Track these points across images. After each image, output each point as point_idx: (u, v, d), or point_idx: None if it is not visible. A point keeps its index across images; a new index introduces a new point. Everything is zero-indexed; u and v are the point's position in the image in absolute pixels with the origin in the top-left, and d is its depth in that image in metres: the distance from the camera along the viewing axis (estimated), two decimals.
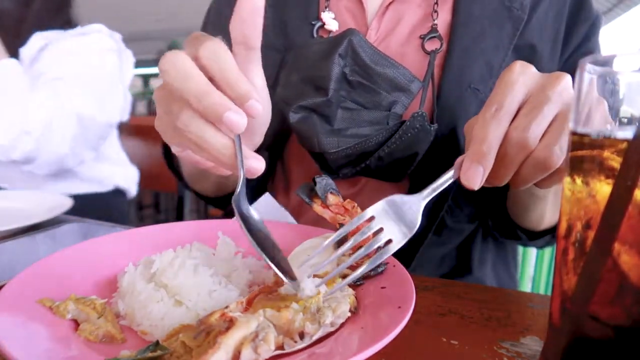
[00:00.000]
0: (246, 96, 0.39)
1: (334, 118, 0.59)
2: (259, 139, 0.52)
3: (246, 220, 0.40)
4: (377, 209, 0.41)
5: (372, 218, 0.41)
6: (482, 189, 0.64)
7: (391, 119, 0.60)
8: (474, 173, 0.40)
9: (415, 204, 0.42)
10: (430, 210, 0.64)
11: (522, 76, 0.41)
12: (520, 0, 0.64)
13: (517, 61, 0.42)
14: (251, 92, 0.39)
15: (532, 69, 0.42)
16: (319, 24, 0.69)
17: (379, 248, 0.40)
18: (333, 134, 0.59)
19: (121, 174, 1.43)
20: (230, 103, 0.38)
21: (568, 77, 0.41)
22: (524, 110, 0.41)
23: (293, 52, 0.65)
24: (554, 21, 0.65)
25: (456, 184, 0.60)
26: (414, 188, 0.67)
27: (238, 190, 0.41)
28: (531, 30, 0.64)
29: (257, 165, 0.41)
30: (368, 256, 0.40)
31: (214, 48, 0.39)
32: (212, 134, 0.40)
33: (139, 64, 1.50)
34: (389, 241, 0.41)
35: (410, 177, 0.66)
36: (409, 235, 0.41)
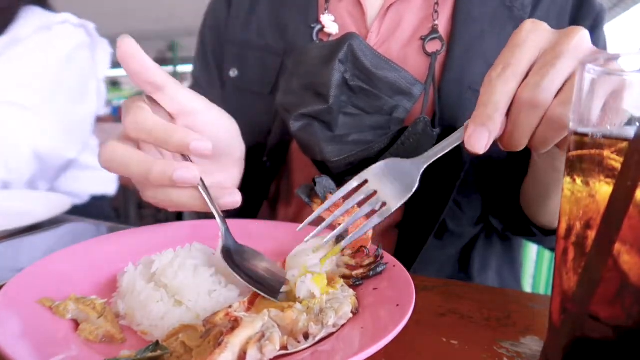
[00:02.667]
0: (184, 143, 0.40)
1: (335, 124, 0.59)
2: (237, 152, 0.53)
3: (238, 265, 0.42)
4: (373, 171, 0.42)
5: (365, 181, 0.42)
6: (492, 181, 0.62)
7: (393, 124, 0.60)
8: (479, 136, 0.39)
9: (415, 167, 0.42)
10: (431, 213, 0.64)
11: (533, 34, 0.39)
12: (522, 0, 0.63)
13: (529, 19, 0.41)
14: (187, 136, 0.40)
15: (544, 25, 0.40)
16: (319, 26, 0.68)
17: (374, 211, 0.41)
18: (335, 141, 0.58)
19: (97, 180, 1.33)
20: (173, 163, 0.40)
21: (584, 31, 0.39)
22: (536, 67, 0.39)
23: (293, 57, 0.65)
24: (557, 19, 0.64)
25: (455, 188, 0.59)
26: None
27: (221, 242, 0.44)
28: None
29: (231, 200, 0.44)
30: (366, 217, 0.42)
31: (134, 117, 0.41)
32: (177, 195, 0.42)
33: None
34: (383, 204, 0.41)
35: None
36: (405, 198, 0.41)
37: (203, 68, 0.81)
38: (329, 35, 0.68)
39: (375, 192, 0.41)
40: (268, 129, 0.71)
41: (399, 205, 0.41)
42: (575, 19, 0.65)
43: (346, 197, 0.42)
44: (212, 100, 0.82)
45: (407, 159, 0.42)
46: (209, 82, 0.79)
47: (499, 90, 0.39)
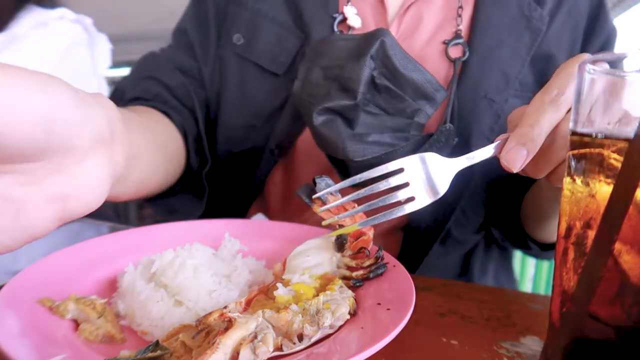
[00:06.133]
0: None
1: (357, 122, 0.57)
2: (75, 140, 0.30)
3: None
4: (410, 162, 0.41)
5: (401, 169, 0.40)
6: (497, 193, 0.61)
7: (413, 128, 0.58)
8: (516, 154, 0.38)
9: (448, 170, 0.41)
10: (437, 219, 0.64)
11: None
12: (540, 11, 0.63)
13: (585, 53, 0.40)
14: None
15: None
16: (341, 17, 0.66)
17: (399, 202, 0.40)
18: (356, 139, 0.56)
19: None
20: None
21: None
22: None
23: (313, 45, 0.62)
24: (571, 32, 0.64)
25: (464, 197, 0.58)
26: None
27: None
28: (548, 40, 0.63)
29: None
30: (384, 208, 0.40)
31: None
32: None
33: None
34: (411, 198, 0.40)
35: None
36: (433, 199, 0.40)
37: (199, 28, 0.74)
38: (349, 27, 0.66)
39: (407, 184, 0.40)
40: (269, 112, 0.68)
41: (424, 205, 0.40)
42: (589, 33, 0.65)
43: (375, 180, 0.41)
44: (204, 61, 0.72)
45: (445, 158, 0.41)
46: (203, 44, 0.73)
47: (549, 115, 0.38)
